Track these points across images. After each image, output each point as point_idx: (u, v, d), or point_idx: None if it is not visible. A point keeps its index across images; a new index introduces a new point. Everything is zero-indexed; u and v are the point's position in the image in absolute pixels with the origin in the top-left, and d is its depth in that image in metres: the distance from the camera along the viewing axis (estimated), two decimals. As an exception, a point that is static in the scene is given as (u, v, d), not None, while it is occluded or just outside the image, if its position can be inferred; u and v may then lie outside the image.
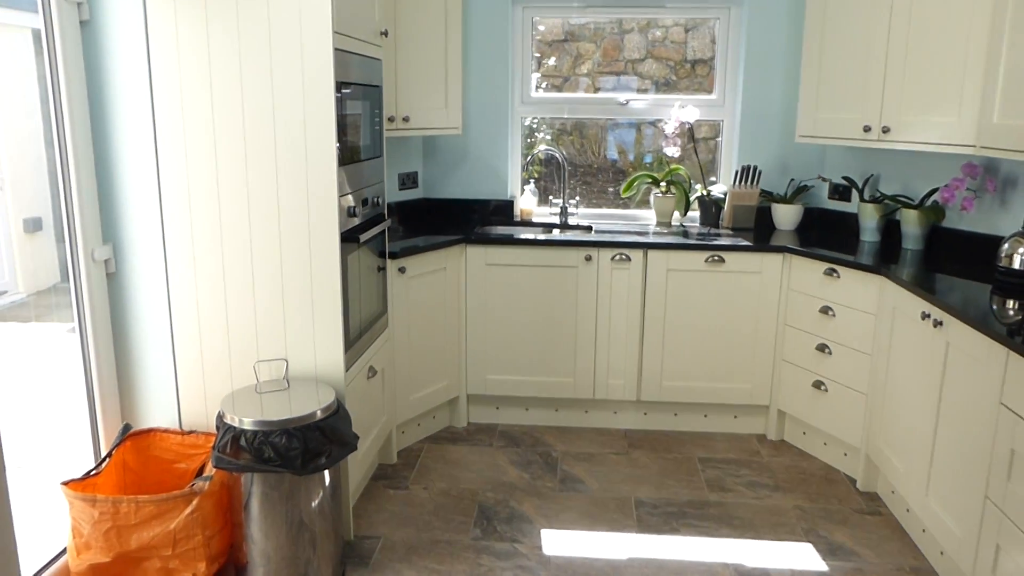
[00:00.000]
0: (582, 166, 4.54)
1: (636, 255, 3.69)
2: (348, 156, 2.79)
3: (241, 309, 2.78)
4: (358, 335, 2.97)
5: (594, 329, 3.78)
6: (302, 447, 2.42)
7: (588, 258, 3.71)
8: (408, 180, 4.27)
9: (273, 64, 2.59)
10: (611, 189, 4.55)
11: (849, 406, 3.34)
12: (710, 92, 4.29)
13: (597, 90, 4.42)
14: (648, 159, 4.46)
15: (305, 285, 2.74)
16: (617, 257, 3.69)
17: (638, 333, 3.77)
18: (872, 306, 3.20)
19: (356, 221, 2.89)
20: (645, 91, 4.38)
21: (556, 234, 4.15)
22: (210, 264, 2.76)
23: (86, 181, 2.68)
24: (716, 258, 3.64)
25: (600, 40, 4.44)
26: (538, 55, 4.39)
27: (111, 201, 2.76)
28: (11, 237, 3.84)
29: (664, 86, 4.38)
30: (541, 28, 4.36)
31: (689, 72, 4.38)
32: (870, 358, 3.22)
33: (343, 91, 2.69)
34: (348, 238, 2.79)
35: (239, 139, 2.65)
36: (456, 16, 3.83)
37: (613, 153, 4.54)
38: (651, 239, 3.74)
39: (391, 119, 3.59)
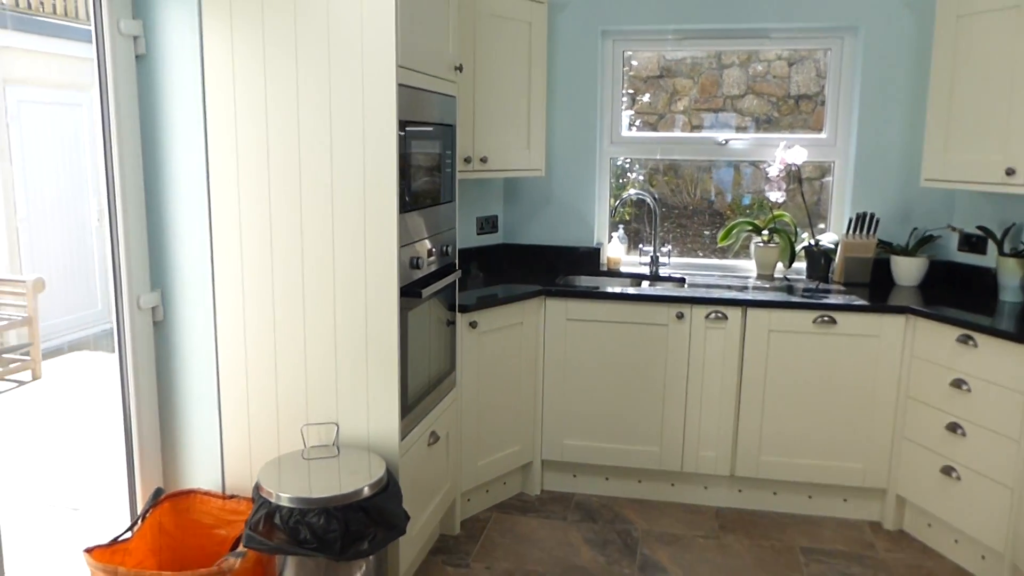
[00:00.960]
0: (676, 207, 4.18)
1: (734, 313, 3.29)
2: (413, 202, 2.53)
3: (291, 365, 2.54)
4: (420, 397, 2.69)
5: (684, 394, 3.39)
6: (342, 529, 2.14)
7: (680, 315, 3.33)
8: (487, 224, 4.01)
9: (332, 101, 2.37)
10: (707, 233, 4.18)
11: (989, 500, 2.84)
12: (818, 130, 3.88)
13: (694, 127, 4.08)
14: (746, 200, 4.06)
15: (359, 343, 2.48)
16: (712, 315, 3.31)
17: (734, 400, 3.35)
18: (1018, 382, 2.71)
19: (419, 273, 2.62)
20: (744, 128, 4.01)
21: (645, 287, 3.80)
22: (260, 315, 2.54)
23: (135, 222, 2.51)
24: (826, 319, 3.21)
25: (698, 75, 4.11)
26: (631, 91, 4.09)
27: (160, 245, 2.59)
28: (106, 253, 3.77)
29: (765, 123, 4.00)
30: (635, 63, 4.06)
31: (793, 108, 4.00)
32: (1017, 445, 2.72)
33: (408, 130, 2.45)
34: (409, 292, 2.52)
35: (293, 182, 2.44)
36: (540, 49, 3.56)
37: (711, 194, 4.17)
38: (751, 295, 3.34)
39: (467, 160, 3.33)
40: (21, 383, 5.53)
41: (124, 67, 2.43)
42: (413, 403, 2.63)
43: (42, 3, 6.66)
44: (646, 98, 4.17)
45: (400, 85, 2.36)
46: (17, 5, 6.49)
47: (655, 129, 4.10)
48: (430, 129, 2.67)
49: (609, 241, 4.09)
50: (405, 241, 2.49)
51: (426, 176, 2.67)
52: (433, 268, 2.78)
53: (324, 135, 2.39)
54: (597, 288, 3.53)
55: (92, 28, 2.37)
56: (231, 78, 2.43)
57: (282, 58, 2.38)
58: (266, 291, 2.52)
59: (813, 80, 3.94)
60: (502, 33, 3.40)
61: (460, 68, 2.90)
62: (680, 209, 4.19)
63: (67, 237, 6.78)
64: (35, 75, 6.45)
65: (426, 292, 2.58)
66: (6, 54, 6.23)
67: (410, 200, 2.52)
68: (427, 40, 2.59)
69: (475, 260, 3.94)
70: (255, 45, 2.39)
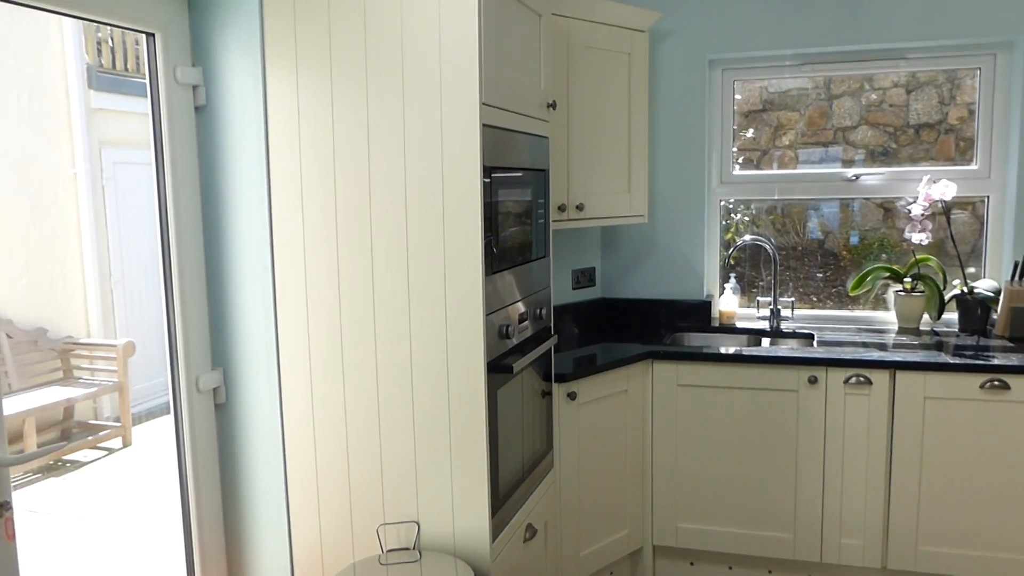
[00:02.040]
0: (783, 248, 3.71)
1: (879, 377, 2.79)
2: (501, 259, 2.18)
3: (364, 455, 2.20)
4: (514, 486, 2.30)
5: (822, 472, 2.89)
6: (423, 666, 1.75)
7: (813, 379, 2.85)
8: (583, 278, 3.62)
9: (407, 149, 2.05)
10: (820, 276, 3.69)
11: None
12: (948, 160, 3.36)
13: (801, 163, 3.64)
14: (855, 239, 3.56)
15: (441, 429, 2.12)
16: (853, 379, 2.81)
17: (883, 480, 2.83)
18: None
19: (511, 343, 2.25)
20: (852, 162, 3.54)
21: (767, 345, 3.32)
22: (329, 397, 2.22)
23: (193, 293, 2.24)
24: (996, 383, 2.67)
25: (805, 107, 3.67)
26: (734, 127, 3.67)
27: (221, 318, 2.30)
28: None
29: (882, 155, 3.52)
30: (738, 97, 3.65)
31: (913, 138, 3.51)
32: None
33: (494, 176, 2.10)
34: (498, 366, 2.15)
35: (364, 245, 2.12)
36: (642, 83, 3.19)
37: (816, 231, 3.68)
38: (898, 354, 2.83)
39: (561, 208, 2.97)
40: (111, 451, 5.43)
41: (181, 120, 2.18)
42: (506, 495, 2.25)
43: (137, 64, 6.73)
44: (749, 133, 3.75)
45: (485, 125, 2.02)
46: (114, 67, 6.58)
47: (758, 167, 3.66)
48: (520, 175, 2.32)
49: (721, 293, 3.64)
50: (493, 307, 2.13)
51: (516, 228, 2.31)
52: (526, 334, 2.41)
53: (398, 188, 2.07)
54: (711, 348, 3.08)
55: (147, 78, 2.13)
56: (296, 132, 2.14)
57: (351, 107, 2.08)
58: (335, 369, 2.20)
59: (935, 107, 3.46)
60: (599, 66, 3.05)
61: (553, 105, 2.55)
62: (788, 250, 3.73)
63: (156, 299, 6.75)
64: (128, 136, 6.49)
65: (518, 365, 2.21)
66: (101, 116, 6.29)
67: (498, 258, 2.16)
68: (515, 75, 2.26)
69: (571, 318, 3.55)
70: (322, 93, 2.10)
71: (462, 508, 2.12)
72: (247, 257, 2.25)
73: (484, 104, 2.01)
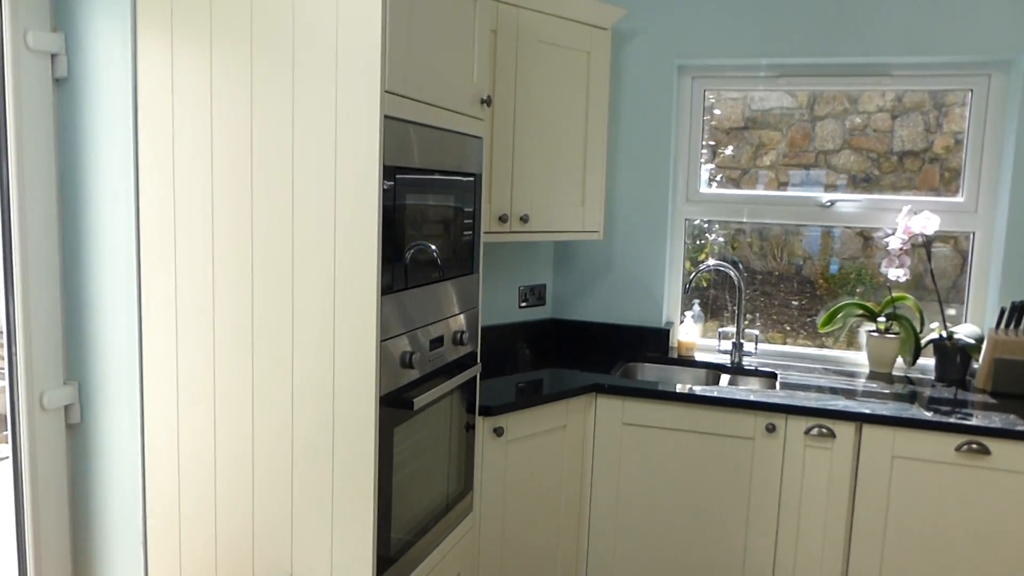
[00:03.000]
0: (760, 273, 3.42)
1: (844, 430, 2.48)
2: (407, 276, 1.86)
3: (235, 494, 1.87)
4: (414, 536, 1.98)
5: (775, 529, 2.58)
6: None
7: (771, 428, 2.54)
8: (532, 296, 3.31)
9: (295, 141, 1.72)
10: (795, 303, 3.40)
11: None
12: (931, 190, 3.07)
13: (781, 185, 3.35)
14: (834, 268, 3.28)
15: (323, 470, 1.79)
16: (815, 430, 2.51)
17: (842, 545, 2.52)
18: None
19: (414, 373, 1.92)
20: (834, 187, 3.26)
21: (725, 385, 3.01)
22: (197, 425, 1.89)
23: (43, 294, 1.90)
24: (975, 446, 2.37)
25: (787, 127, 3.39)
26: (712, 143, 3.37)
27: (77, 323, 1.97)
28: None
29: (863, 182, 3.24)
30: (718, 112, 3.36)
31: (896, 166, 3.25)
32: None
33: (400, 178, 1.78)
34: (396, 401, 1.83)
35: (244, 248, 1.79)
36: (602, 86, 2.88)
37: (799, 259, 3.38)
38: (867, 405, 2.52)
39: (503, 219, 2.65)
40: None
41: (34, 94, 1.84)
42: (405, 544, 1.92)
43: None
44: (728, 151, 3.47)
45: (388, 118, 1.70)
46: None
47: (737, 186, 3.37)
48: (440, 178, 2.00)
49: (681, 320, 3.33)
50: (393, 331, 1.80)
51: (433, 241, 1.99)
52: (440, 363, 2.08)
53: (284, 186, 1.74)
54: (663, 384, 2.78)
55: (-7, 40, 1.79)
56: (169, 113, 1.82)
57: (233, 86, 1.76)
58: (205, 393, 1.87)
59: (920, 135, 3.19)
60: (553, 64, 2.74)
61: (487, 101, 2.23)
62: (764, 275, 3.44)
63: None
64: None
65: (422, 400, 1.88)
66: None
67: (403, 274, 1.84)
68: (436, 62, 1.94)
69: (517, 338, 3.23)
70: (200, 68, 1.78)
71: (343, 561, 1.80)
72: (109, 254, 1.92)
73: (388, 92, 1.69)
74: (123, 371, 1.94)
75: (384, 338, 1.76)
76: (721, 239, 3.45)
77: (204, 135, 1.79)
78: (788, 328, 3.45)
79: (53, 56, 1.87)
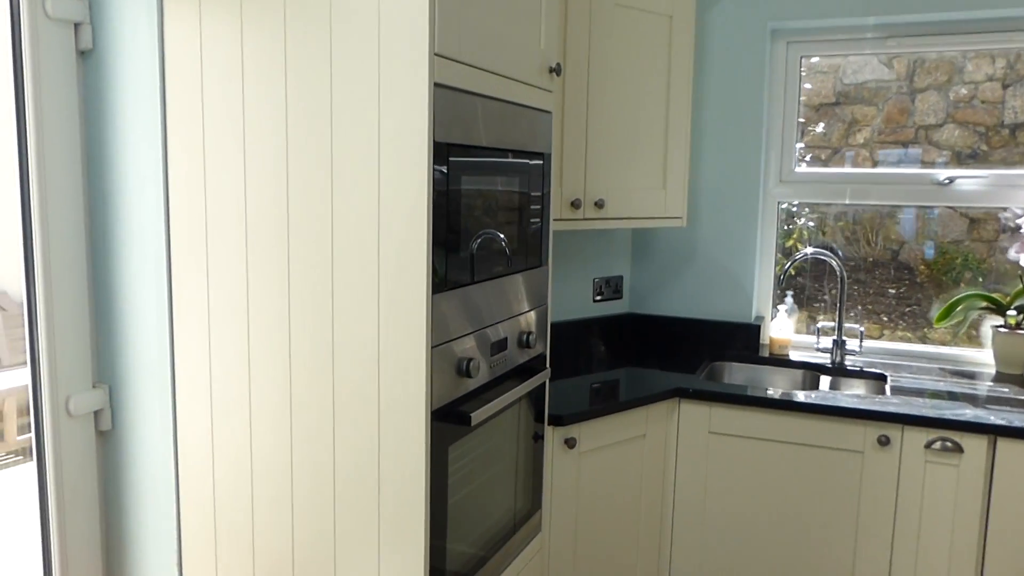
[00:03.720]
0: (851, 259, 3.07)
1: (974, 444, 2.14)
2: (465, 270, 1.61)
3: (273, 516, 1.67)
4: (477, 562, 1.74)
5: (888, 559, 2.25)
6: None
7: (884, 440, 2.21)
8: (608, 288, 3.03)
9: (335, 113, 1.49)
10: (892, 291, 3.04)
11: None
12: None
13: (874, 164, 2.99)
14: (929, 251, 2.90)
15: (368, 494, 1.57)
16: (937, 444, 2.17)
17: (972, 573, 2.18)
18: None
19: (473, 383, 1.68)
20: (932, 164, 2.88)
21: (827, 389, 2.68)
22: (232, 440, 1.69)
23: (68, 288, 1.73)
24: None
25: (883, 101, 3.02)
26: (801, 120, 3.03)
27: (107, 322, 1.79)
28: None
29: (969, 158, 2.84)
30: (807, 86, 3.01)
31: (1007, 140, 2.85)
32: None
33: (456, 160, 1.53)
34: (451, 415, 1.59)
35: (279, 242, 1.58)
36: (686, 54, 2.58)
37: (895, 243, 3.01)
38: (1001, 415, 2.17)
39: (575, 204, 2.39)
40: None
41: (55, 69, 1.66)
42: (464, 573, 1.69)
43: None
44: (819, 128, 3.12)
45: (439, 86, 1.45)
46: None
47: (826, 166, 3.02)
48: (503, 158, 1.75)
49: (774, 316, 3.00)
50: (448, 335, 1.56)
51: (495, 229, 1.74)
52: (504, 369, 1.83)
53: (322, 168, 1.52)
54: (754, 388, 2.47)
55: (9, 9, 1.61)
56: (198, 86, 1.61)
57: (265, 60, 1.54)
58: (240, 399, 1.67)
59: (1034, 104, 2.79)
60: (631, 30, 2.45)
61: (556, 70, 1.96)
62: (857, 261, 3.09)
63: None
64: None
65: (481, 414, 1.64)
66: None
67: (461, 268, 1.59)
68: (496, 23, 1.68)
69: (591, 335, 2.96)
70: (230, 38, 1.56)
71: (391, 604, 1.57)
72: (138, 245, 1.73)
73: (439, 55, 1.44)
74: (155, 374, 1.75)
75: (436, 343, 1.52)
76: (811, 223, 3.11)
77: (236, 115, 1.58)
78: (885, 319, 3.09)
79: (77, 25, 1.68)
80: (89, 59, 1.71)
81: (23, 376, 1.75)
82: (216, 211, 1.63)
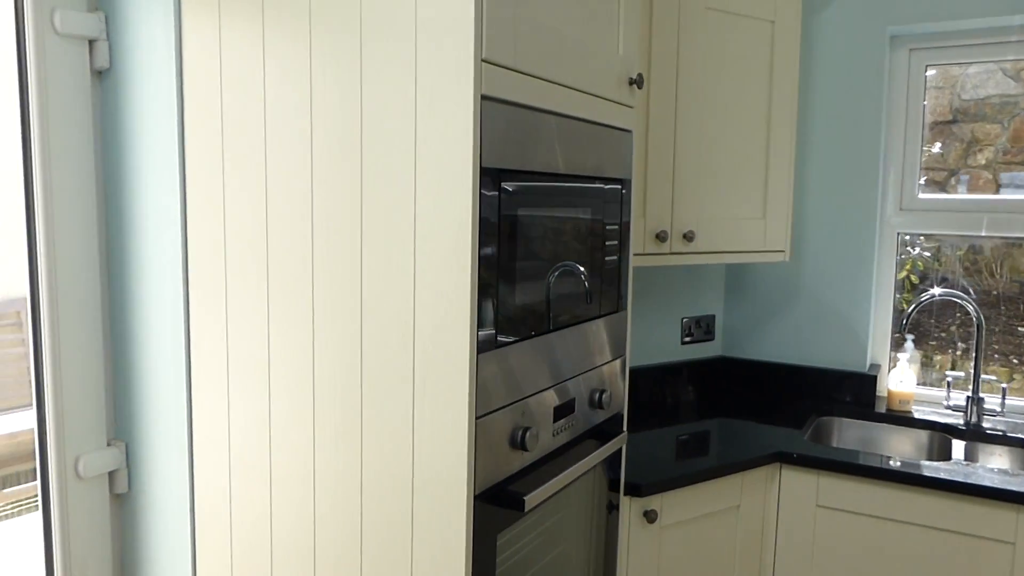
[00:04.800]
0: (975, 293, 2.65)
1: None
2: (522, 321, 1.33)
3: (291, 610, 1.42)
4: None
5: (1044, 672, 1.84)
6: None
7: (1039, 528, 1.81)
8: (698, 329, 2.69)
9: (365, 135, 1.24)
10: (1022, 330, 2.60)
11: None
12: None
13: (998, 187, 2.58)
14: None
15: (398, 593, 1.30)
16: (1111, 537, 1.75)
17: None
18: None
19: (529, 458, 1.39)
20: None
21: (960, 459, 2.28)
22: (251, 507, 1.45)
23: (80, 334, 1.53)
24: None
25: (1009, 118, 2.62)
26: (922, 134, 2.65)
27: (124, 372, 1.59)
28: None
29: None
30: (924, 103, 2.63)
31: None
32: None
33: (508, 187, 1.26)
34: (498, 498, 1.30)
35: (303, 291, 1.34)
36: (790, 64, 2.25)
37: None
38: None
39: (661, 237, 2.08)
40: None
41: (68, 91, 1.47)
42: None
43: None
44: (936, 148, 2.72)
45: (488, 98, 1.18)
46: None
47: (943, 191, 2.62)
48: (572, 186, 1.47)
49: (892, 365, 2.60)
50: (499, 401, 1.28)
51: (562, 270, 1.46)
52: (568, 437, 1.54)
53: (349, 201, 1.27)
54: (872, 454, 2.10)
55: (14, 25, 1.44)
56: (218, 108, 1.39)
57: (290, 78, 1.30)
58: (260, 467, 1.43)
59: None
60: (726, 36, 2.14)
61: (638, 82, 1.67)
62: (980, 295, 2.67)
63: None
64: None
65: (537, 496, 1.34)
66: None
67: (514, 321, 1.31)
68: (563, 26, 1.40)
69: (679, 381, 2.63)
70: (253, 55, 1.34)
71: None
72: (157, 287, 1.52)
73: (487, 62, 1.17)
74: (173, 430, 1.53)
75: (483, 413, 1.24)
76: (927, 254, 2.71)
77: (257, 143, 1.35)
78: (1016, 361, 2.65)
79: (91, 42, 1.50)
80: (107, 79, 1.52)
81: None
82: (237, 253, 1.40)
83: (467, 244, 1.18)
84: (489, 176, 1.20)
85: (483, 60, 1.16)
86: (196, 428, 1.51)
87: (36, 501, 1.72)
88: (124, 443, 1.61)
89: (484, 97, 1.17)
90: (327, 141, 1.28)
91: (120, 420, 1.60)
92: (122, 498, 1.62)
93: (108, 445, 1.59)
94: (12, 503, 2.14)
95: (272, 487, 1.42)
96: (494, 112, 1.20)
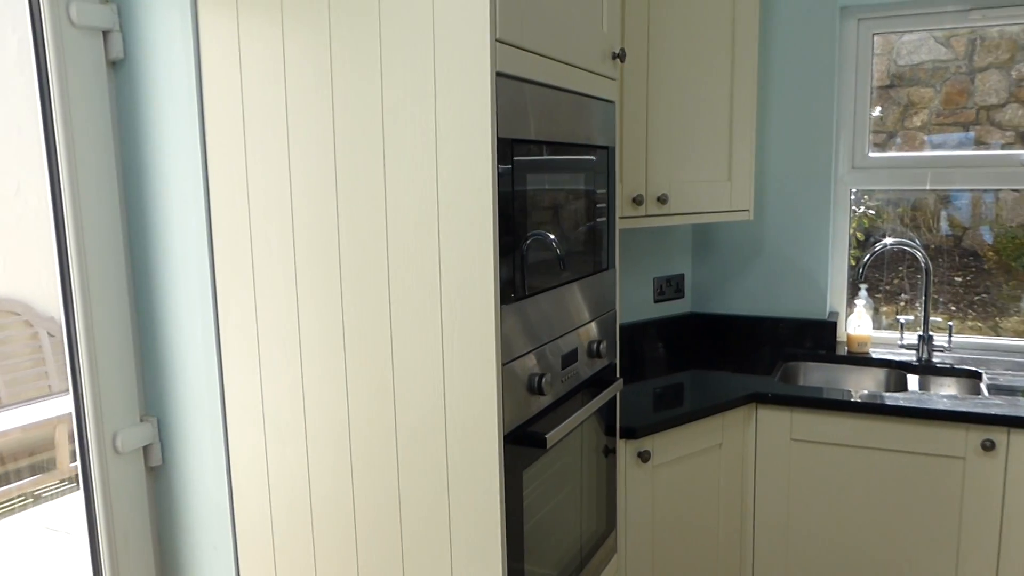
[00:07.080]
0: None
1: (1092, 448, 1.94)
2: (534, 278, 1.47)
3: (334, 548, 1.54)
4: (548, 601, 1.61)
5: (994, 574, 2.07)
6: None
7: (988, 445, 2.03)
8: (668, 288, 2.86)
9: (385, 111, 1.36)
10: (958, 280, 2.84)
11: None
12: None
13: (931, 148, 2.82)
14: (988, 236, 2.70)
15: (438, 527, 1.43)
16: (1050, 449, 1.97)
17: (1092, 593, 1.99)
18: None
19: (545, 401, 1.54)
20: (988, 146, 2.69)
21: (915, 390, 2.49)
22: (288, 467, 1.57)
23: (110, 314, 1.62)
24: None
25: (941, 82, 2.82)
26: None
27: (153, 350, 1.68)
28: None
29: None
30: (872, 69, 2.82)
31: None
32: None
33: (520, 160, 1.39)
34: (524, 438, 1.45)
35: (330, 256, 1.45)
36: (751, 34, 2.41)
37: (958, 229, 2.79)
38: (1121, 417, 1.97)
39: (637, 200, 2.23)
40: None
41: (86, 81, 1.55)
42: (536, 619, 1.55)
43: None
44: (876, 112, 2.92)
45: (501, 75, 1.31)
46: None
47: (882, 151, 2.83)
48: (568, 154, 1.60)
49: (850, 311, 2.81)
50: (519, 350, 1.42)
51: (562, 233, 1.60)
52: (576, 382, 1.69)
53: (373, 171, 1.38)
54: (837, 389, 2.29)
55: (28, 16, 1.51)
56: (238, 91, 1.49)
57: (309, 61, 1.41)
58: (295, 427, 1.54)
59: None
60: (692, 9, 2.29)
61: (621, 56, 1.81)
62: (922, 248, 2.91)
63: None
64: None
65: (556, 434, 1.49)
66: None
67: (529, 275, 1.45)
68: (560, 6, 1.53)
69: (652, 338, 2.80)
70: (272, 37, 1.44)
71: (465, 646, 1.44)
72: (182, 266, 1.62)
73: (500, 42, 1.30)
74: (205, 403, 1.64)
75: (507, 360, 1.38)
76: (871, 211, 2.91)
77: (279, 122, 1.46)
78: (954, 308, 2.88)
79: (106, 33, 1.57)
80: (121, 69, 1.60)
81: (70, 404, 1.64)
82: (261, 227, 1.51)
83: (488, 208, 1.31)
84: (503, 146, 1.33)
85: (497, 40, 1.29)
86: (228, 396, 1.61)
87: (25, 501, 1.81)
88: (155, 418, 1.70)
89: (499, 74, 1.30)
90: (349, 123, 1.39)
91: (150, 396, 1.70)
92: (156, 471, 1.72)
93: (141, 421, 1.69)
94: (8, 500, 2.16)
95: (308, 444, 1.54)
96: (506, 87, 1.33)
